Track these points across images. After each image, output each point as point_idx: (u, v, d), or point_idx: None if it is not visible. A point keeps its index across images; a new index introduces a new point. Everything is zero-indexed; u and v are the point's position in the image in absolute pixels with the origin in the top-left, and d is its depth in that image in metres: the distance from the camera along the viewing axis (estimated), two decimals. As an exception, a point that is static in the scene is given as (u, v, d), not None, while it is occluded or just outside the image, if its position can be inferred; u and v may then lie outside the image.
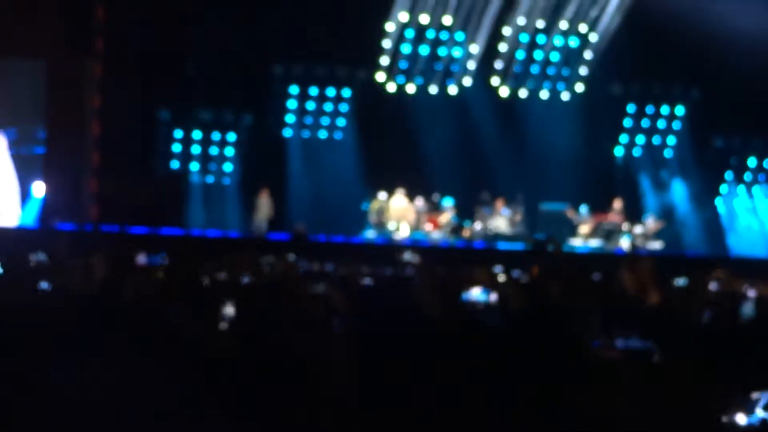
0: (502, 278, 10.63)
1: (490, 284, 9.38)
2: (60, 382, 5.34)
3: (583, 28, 26.97)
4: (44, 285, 8.44)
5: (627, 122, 27.77)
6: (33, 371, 5.45)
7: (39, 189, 23.92)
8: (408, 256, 16.54)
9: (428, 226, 25.01)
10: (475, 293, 9.45)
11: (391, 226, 24.92)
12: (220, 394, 5.53)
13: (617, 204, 25.48)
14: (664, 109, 27.69)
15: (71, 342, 5.69)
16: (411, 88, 26.99)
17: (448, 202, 25.29)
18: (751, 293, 10.18)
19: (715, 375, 5.69)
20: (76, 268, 7.93)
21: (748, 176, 27.85)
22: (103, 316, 6.37)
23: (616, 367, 6.11)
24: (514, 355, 6.09)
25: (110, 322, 6.21)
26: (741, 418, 5.28)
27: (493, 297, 9.13)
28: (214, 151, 26.14)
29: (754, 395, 5.29)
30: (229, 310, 7.03)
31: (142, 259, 11.59)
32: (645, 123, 27.79)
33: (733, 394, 5.37)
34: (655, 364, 6.19)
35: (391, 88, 26.87)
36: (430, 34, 26.65)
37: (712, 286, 11.65)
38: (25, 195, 23.75)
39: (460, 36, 26.73)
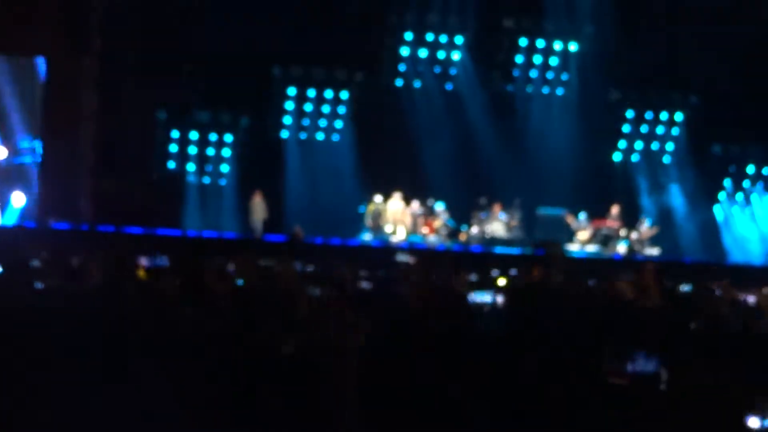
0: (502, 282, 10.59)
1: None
2: (60, 382, 5.28)
3: (583, 31, 26.96)
4: (39, 285, 8.35)
5: (625, 128, 27.73)
6: (34, 370, 5.40)
7: (18, 199, 23.80)
8: (402, 257, 16.48)
9: (425, 230, 24.96)
10: (480, 295, 9.40)
11: (387, 229, 24.86)
12: (220, 395, 5.48)
13: (615, 210, 25.43)
14: (663, 115, 27.65)
15: (71, 342, 5.63)
16: (409, 91, 26.94)
17: (439, 206, 25.25)
18: (750, 299, 10.12)
19: (725, 382, 5.63)
20: (78, 269, 7.88)
21: (746, 183, 27.81)
22: (104, 316, 6.31)
23: (623, 389, 6.06)
24: (511, 360, 6.04)
25: (111, 322, 6.15)
26: (754, 422, 5.20)
27: (499, 299, 9.08)
28: (211, 151, 26.08)
29: None
30: (231, 310, 6.99)
31: (144, 261, 11.52)
32: (644, 129, 27.75)
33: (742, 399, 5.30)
34: (664, 385, 6.12)
35: (389, 90, 26.83)
36: (429, 36, 26.61)
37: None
38: (4, 205, 23.64)
39: (459, 39, 26.69)
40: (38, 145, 24.43)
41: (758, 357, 6.40)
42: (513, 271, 13.95)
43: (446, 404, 5.82)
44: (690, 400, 5.41)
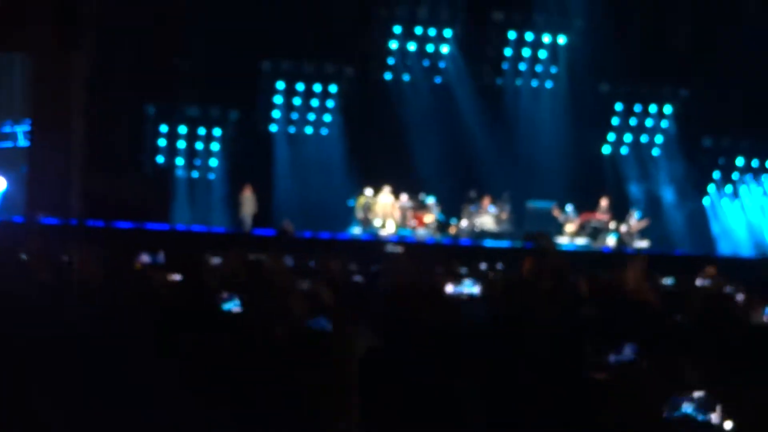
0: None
1: None
2: (56, 381, 5.28)
3: (571, 25, 26.97)
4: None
5: (615, 120, 27.77)
6: (27, 369, 5.39)
7: None
8: (390, 248, 16.50)
9: (414, 223, 24.98)
10: (465, 285, 9.42)
11: (377, 222, 24.88)
12: (214, 393, 5.48)
13: (604, 202, 25.47)
14: (652, 108, 27.68)
15: (70, 341, 5.62)
16: (398, 85, 26.95)
17: (430, 200, 25.29)
18: (739, 296, 10.14)
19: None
20: (67, 264, 7.86)
21: (735, 176, 27.86)
22: (102, 314, 6.31)
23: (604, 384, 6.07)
24: (494, 353, 6.05)
25: (110, 320, 6.14)
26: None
27: (479, 289, 9.10)
28: (199, 146, 26.07)
29: (696, 393, 5.25)
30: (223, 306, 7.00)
31: (146, 258, 11.52)
32: (633, 121, 27.79)
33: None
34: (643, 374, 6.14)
35: (378, 84, 26.83)
36: (418, 30, 26.61)
37: (700, 282, 11.64)
38: None
39: (447, 32, 26.71)
40: (20, 130, 24.41)
41: (731, 351, 6.44)
42: (500, 265, 13.97)
43: (431, 399, 5.83)
44: (665, 392, 5.44)
